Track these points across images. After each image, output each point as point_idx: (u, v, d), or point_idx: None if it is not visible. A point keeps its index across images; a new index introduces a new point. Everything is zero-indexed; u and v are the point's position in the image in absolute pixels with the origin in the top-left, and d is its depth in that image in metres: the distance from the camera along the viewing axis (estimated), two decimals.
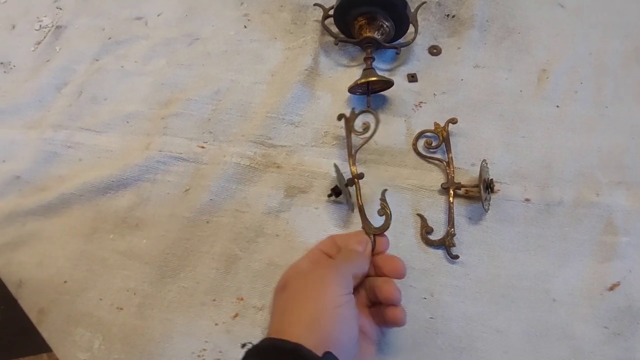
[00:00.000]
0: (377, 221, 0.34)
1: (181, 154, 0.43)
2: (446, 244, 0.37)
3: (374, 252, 0.33)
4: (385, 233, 0.34)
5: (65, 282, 0.38)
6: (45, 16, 0.53)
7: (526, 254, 0.37)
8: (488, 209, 0.38)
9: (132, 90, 0.47)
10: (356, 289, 0.31)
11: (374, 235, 0.33)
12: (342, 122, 0.40)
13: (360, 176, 0.37)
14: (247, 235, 0.39)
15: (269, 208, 0.40)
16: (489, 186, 0.37)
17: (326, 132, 0.43)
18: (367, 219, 0.34)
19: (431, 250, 0.38)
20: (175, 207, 0.41)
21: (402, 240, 0.38)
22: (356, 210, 0.36)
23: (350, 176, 0.37)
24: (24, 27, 0.53)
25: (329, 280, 0.28)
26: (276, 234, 0.39)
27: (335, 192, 0.39)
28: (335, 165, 0.38)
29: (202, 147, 0.43)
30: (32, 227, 0.41)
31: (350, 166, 0.37)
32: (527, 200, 0.39)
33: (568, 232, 0.38)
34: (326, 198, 0.40)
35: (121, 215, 0.41)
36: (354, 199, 0.36)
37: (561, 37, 0.48)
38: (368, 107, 0.43)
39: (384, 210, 0.33)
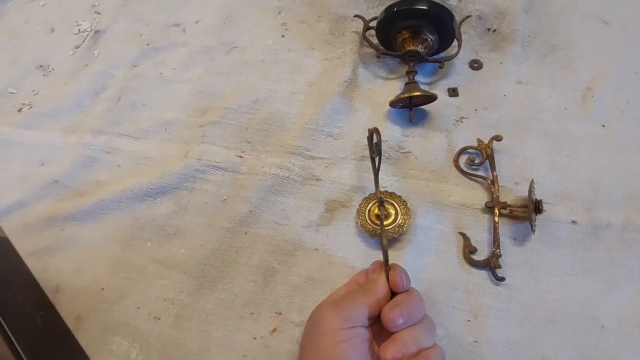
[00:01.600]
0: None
1: (219, 163, 0.43)
2: (492, 265, 0.36)
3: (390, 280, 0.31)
4: (425, 252, 0.33)
5: (102, 289, 0.38)
6: (83, 20, 0.54)
7: (573, 278, 0.36)
8: (535, 231, 0.37)
9: (170, 97, 0.47)
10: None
11: (386, 264, 0.32)
12: (384, 138, 0.40)
13: (381, 202, 0.37)
14: (286, 249, 0.39)
15: (308, 221, 0.40)
16: (537, 207, 0.36)
17: (366, 145, 0.43)
18: (385, 251, 0.32)
19: (474, 270, 0.37)
20: (213, 216, 0.40)
21: (443, 259, 0.37)
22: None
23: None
24: (62, 30, 0.53)
25: (326, 316, 0.28)
26: (315, 248, 0.39)
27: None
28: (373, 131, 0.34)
29: (240, 157, 0.43)
30: (71, 232, 0.41)
31: (376, 187, 0.36)
32: (574, 222, 0.38)
33: (616, 257, 0.37)
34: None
35: (159, 223, 0.41)
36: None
37: (606, 55, 0.47)
38: (410, 121, 0.43)
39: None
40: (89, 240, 0.40)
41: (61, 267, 0.39)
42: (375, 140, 0.34)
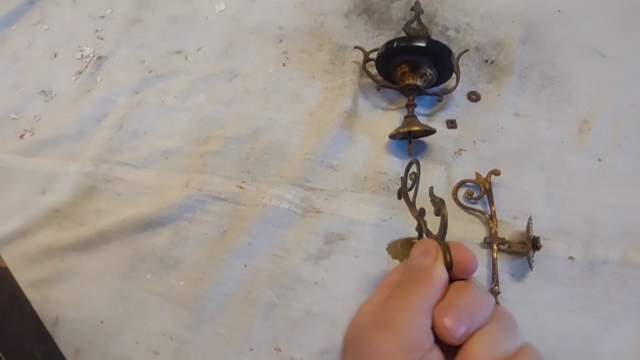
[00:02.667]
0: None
1: (220, 193, 0.43)
2: None
3: (452, 268, 0.22)
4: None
5: (101, 322, 0.38)
6: (86, 46, 0.54)
7: (571, 315, 0.37)
8: (533, 268, 0.37)
9: (172, 126, 0.47)
10: None
11: (443, 242, 0.23)
12: (383, 170, 0.40)
13: (422, 212, 0.29)
14: (285, 282, 0.39)
15: (307, 254, 0.40)
16: (535, 244, 0.36)
17: (365, 177, 0.43)
18: (429, 232, 0.25)
19: None
20: (213, 248, 0.40)
21: None
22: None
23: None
24: (65, 55, 0.54)
25: (381, 346, 0.20)
26: (315, 282, 0.39)
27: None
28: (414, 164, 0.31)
29: (241, 188, 0.43)
30: (70, 262, 0.41)
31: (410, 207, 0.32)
32: (571, 258, 0.39)
33: (613, 294, 0.37)
34: (367, 246, 0.40)
35: (159, 254, 0.41)
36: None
37: (602, 88, 0.47)
38: (409, 154, 0.43)
39: (439, 209, 0.24)
40: (89, 271, 0.40)
41: (60, 299, 0.39)
42: (412, 171, 0.30)
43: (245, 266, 0.40)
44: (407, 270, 0.23)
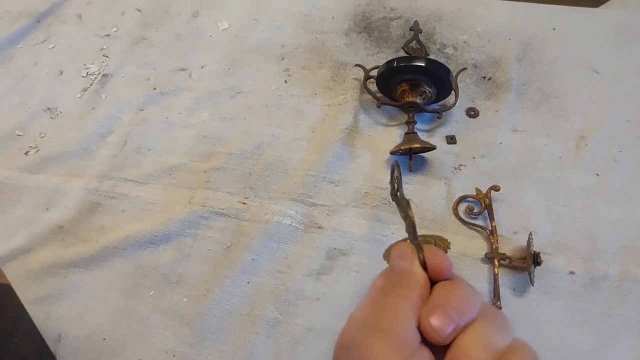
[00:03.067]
0: None
1: (223, 209, 0.43)
2: None
3: (429, 266, 0.22)
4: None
5: (104, 339, 0.38)
6: (92, 63, 0.55)
7: (572, 330, 0.37)
8: (534, 283, 0.37)
9: (175, 142, 0.48)
10: None
11: (415, 242, 0.23)
12: (384, 185, 0.40)
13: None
14: (288, 298, 0.39)
15: (309, 270, 0.40)
16: (535, 260, 0.37)
17: (366, 192, 0.44)
18: (411, 235, 0.25)
19: None
20: (216, 264, 0.41)
21: None
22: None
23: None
24: (71, 73, 0.55)
25: (375, 348, 0.19)
26: (317, 298, 0.39)
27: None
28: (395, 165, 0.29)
29: (244, 204, 0.44)
30: (73, 279, 0.41)
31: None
32: (572, 273, 0.39)
33: (614, 308, 0.38)
34: (368, 261, 0.40)
35: (162, 271, 0.41)
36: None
37: (597, 104, 0.48)
38: (410, 170, 0.44)
39: (405, 212, 0.24)
40: (92, 288, 0.40)
41: (63, 316, 0.39)
42: (396, 175, 0.29)
43: (248, 282, 0.40)
44: (388, 274, 0.23)
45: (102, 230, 0.43)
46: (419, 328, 0.20)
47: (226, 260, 0.41)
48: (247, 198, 0.44)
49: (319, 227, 0.42)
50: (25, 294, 0.41)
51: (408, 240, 0.25)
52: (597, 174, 0.44)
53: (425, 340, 0.20)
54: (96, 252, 0.41)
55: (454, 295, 0.21)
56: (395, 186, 0.28)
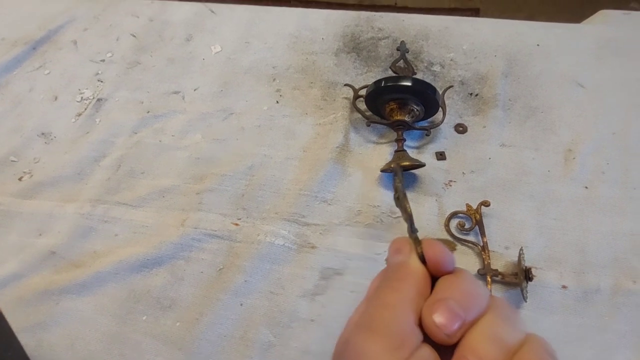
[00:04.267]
0: None
1: (215, 231, 0.43)
2: None
3: (429, 262, 0.20)
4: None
5: None
6: (86, 88, 0.56)
7: (568, 346, 0.37)
8: (527, 299, 0.37)
9: (169, 164, 0.49)
10: None
11: (413, 235, 0.22)
12: (376, 203, 0.41)
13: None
14: (282, 320, 0.39)
15: (303, 290, 0.40)
16: (527, 275, 0.37)
17: (359, 210, 0.44)
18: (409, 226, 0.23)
19: None
20: (209, 287, 0.41)
21: None
22: None
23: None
24: (65, 98, 0.56)
25: (368, 349, 0.18)
26: (311, 319, 0.39)
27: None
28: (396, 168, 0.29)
29: (236, 225, 0.44)
30: (66, 305, 0.41)
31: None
32: (564, 287, 0.39)
33: (608, 322, 0.38)
34: (363, 280, 0.40)
35: (155, 295, 0.41)
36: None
37: (583, 117, 0.49)
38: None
39: (404, 205, 0.23)
40: (84, 314, 0.40)
41: (55, 344, 0.39)
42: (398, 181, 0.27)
43: (242, 305, 0.40)
44: (385, 271, 0.22)
45: (95, 255, 0.43)
46: (421, 326, 0.19)
47: (219, 282, 0.41)
48: (240, 219, 0.44)
49: (312, 247, 0.42)
50: (17, 322, 0.40)
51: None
52: (586, 187, 0.45)
53: (428, 339, 0.18)
54: (89, 277, 0.41)
55: (458, 289, 0.19)
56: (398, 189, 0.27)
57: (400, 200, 0.24)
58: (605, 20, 0.57)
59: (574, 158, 0.46)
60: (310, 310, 0.39)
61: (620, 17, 0.57)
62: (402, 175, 0.27)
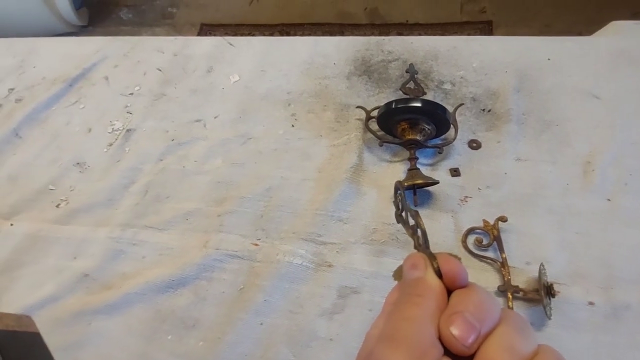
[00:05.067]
0: None
1: (236, 252, 0.45)
2: None
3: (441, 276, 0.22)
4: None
5: None
6: (117, 120, 0.61)
7: None
8: (551, 316, 0.36)
9: (191, 189, 0.51)
10: None
11: (427, 251, 0.23)
12: (391, 221, 0.41)
13: (415, 230, 0.26)
14: (301, 339, 0.39)
15: (322, 309, 0.41)
16: (549, 292, 0.36)
17: (375, 229, 0.45)
18: (418, 243, 0.25)
19: None
20: (230, 307, 0.42)
21: None
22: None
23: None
24: (98, 130, 0.60)
25: None
26: (330, 338, 0.39)
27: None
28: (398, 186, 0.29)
29: (256, 245, 0.45)
30: (97, 326, 0.43)
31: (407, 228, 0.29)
32: (591, 303, 0.38)
33: None
34: (380, 299, 0.40)
35: (179, 315, 0.42)
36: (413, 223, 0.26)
37: (600, 128, 0.49)
38: (415, 205, 0.45)
39: (417, 222, 0.24)
40: (114, 334, 0.42)
41: None
42: (399, 195, 0.29)
43: (262, 324, 0.40)
44: (403, 286, 0.23)
45: (124, 276, 0.46)
46: (440, 339, 0.19)
47: (240, 302, 0.42)
48: (259, 239, 0.46)
49: (330, 265, 0.43)
50: (53, 341, 0.43)
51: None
52: (609, 199, 0.44)
53: (448, 353, 0.19)
54: (118, 298, 0.43)
55: (472, 302, 0.20)
56: (400, 206, 0.28)
57: (406, 217, 0.25)
58: (617, 31, 0.57)
59: (593, 170, 0.45)
60: (328, 330, 0.39)
61: (632, 27, 0.56)
62: (404, 192, 0.28)
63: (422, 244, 0.24)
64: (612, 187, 0.44)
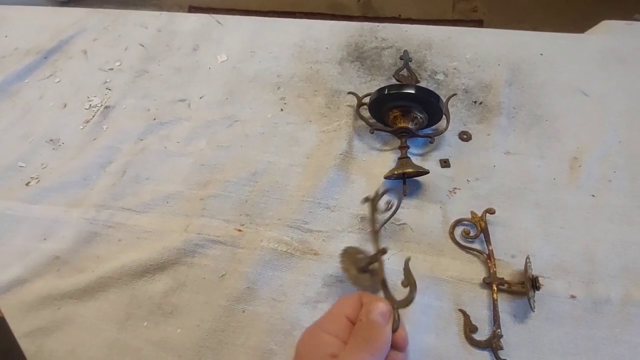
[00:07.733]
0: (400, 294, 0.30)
1: (219, 237, 0.43)
2: (493, 347, 0.35)
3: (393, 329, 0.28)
4: (425, 331, 0.32)
5: None
6: (95, 96, 0.57)
7: (577, 358, 0.36)
8: (534, 308, 0.36)
9: (173, 171, 0.49)
10: None
11: (396, 309, 0.29)
12: (379, 209, 0.41)
13: (384, 251, 0.33)
14: (283, 328, 0.38)
15: (306, 298, 0.39)
16: (534, 285, 0.36)
17: (362, 217, 0.44)
18: (390, 293, 0.31)
19: (476, 351, 0.36)
20: (210, 293, 0.40)
21: (444, 339, 0.37)
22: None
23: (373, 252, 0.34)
24: (74, 106, 0.57)
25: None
26: None
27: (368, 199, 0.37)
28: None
29: (239, 231, 0.44)
30: (67, 311, 0.40)
31: (373, 243, 0.35)
32: (573, 297, 0.38)
33: (619, 334, 0.36)
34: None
35: (156, 300, 0.40)
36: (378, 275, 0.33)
37: (588, 126, 0.49)
38: (404, 194, 0.44)
39: (408, 280, 0.30)
40: (85, 320, 0.40)
41: (55, 349, 0.39)
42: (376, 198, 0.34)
43: (244, 312, 0.39)
44: (363, 322, 0.27)
45: (98, 260, 0.43)
46: None
47: (221, 289, 0.40)
48: (243, 225, 0.44)
49: (315, 254, 0.42)
50: (19, 327, 0.40)
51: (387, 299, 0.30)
52: (593, 195, 0.44)
53: None
54: (91, 282, 0.41)
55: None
56: (370, 222, 0.32)
57: (411, 292, 0.29)
58: (608, 31, 0.57)
59: (579, 166, 0.46)
60: (312, 318, 0.38)
61: (623, 27, 0.57)
62: (377, 206, 0.32)
63: (401, 304, 0.29)
64: (597, 183, 0.45)
